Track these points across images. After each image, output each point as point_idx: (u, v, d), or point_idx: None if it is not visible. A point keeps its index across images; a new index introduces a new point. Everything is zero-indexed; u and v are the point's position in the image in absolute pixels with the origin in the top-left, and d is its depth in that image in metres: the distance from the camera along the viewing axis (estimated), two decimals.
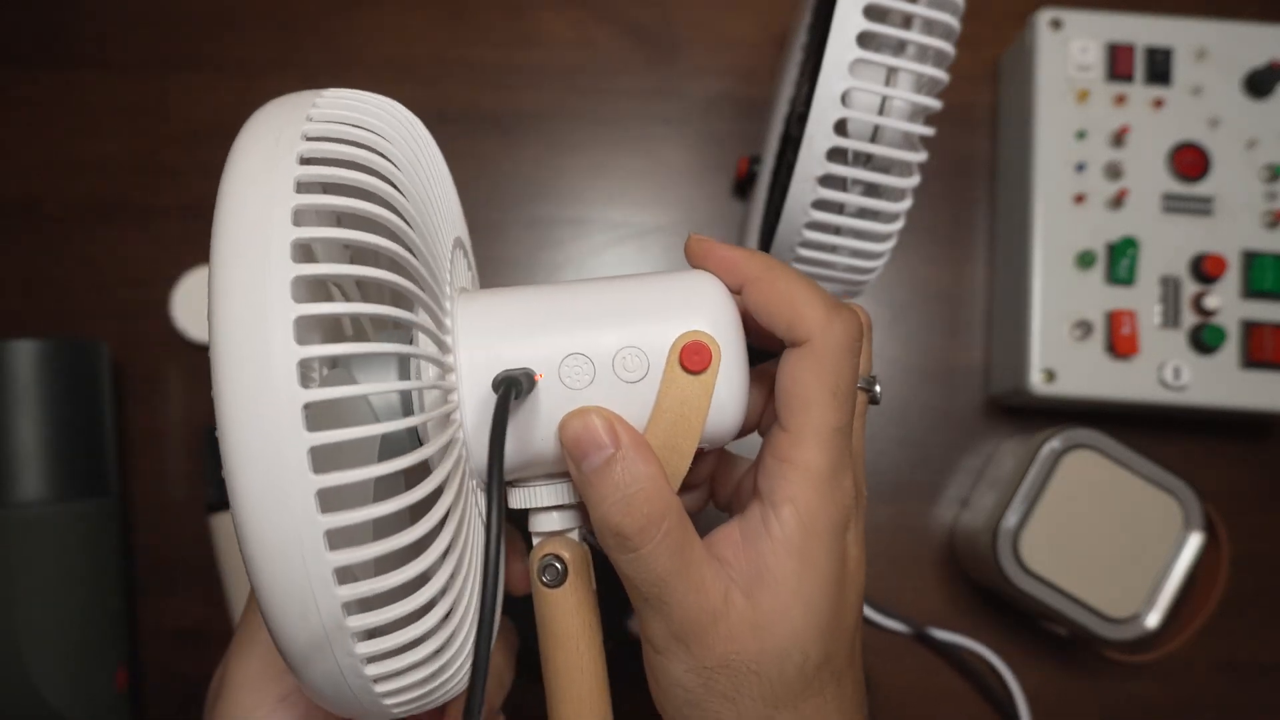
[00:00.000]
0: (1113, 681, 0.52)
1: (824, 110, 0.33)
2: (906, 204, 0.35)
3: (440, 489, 0.24)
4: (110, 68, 0.55)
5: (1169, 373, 0.48)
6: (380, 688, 0.23)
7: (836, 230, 0.36)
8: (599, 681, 0.30)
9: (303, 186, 0.22)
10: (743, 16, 0.57)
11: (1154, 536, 0.47)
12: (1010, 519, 0.47)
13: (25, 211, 0.54)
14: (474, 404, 0.27)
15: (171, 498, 0.52)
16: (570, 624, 0.29)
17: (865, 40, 0.33)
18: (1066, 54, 0.51)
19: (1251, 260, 0.49)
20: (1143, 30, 0.51)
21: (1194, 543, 0.47)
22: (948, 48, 0.33)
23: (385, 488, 0.25)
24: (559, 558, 0.29)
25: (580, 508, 0.30)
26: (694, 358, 0.27)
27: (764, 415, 0.31)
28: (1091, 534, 0.47)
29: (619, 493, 0.26)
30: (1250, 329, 0.49)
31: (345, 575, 0.21)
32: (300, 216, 0.22)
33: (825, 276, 0.38)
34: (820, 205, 0.35)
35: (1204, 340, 0.48)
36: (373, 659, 0.23)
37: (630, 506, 0.26)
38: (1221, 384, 0.49)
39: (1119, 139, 0.50)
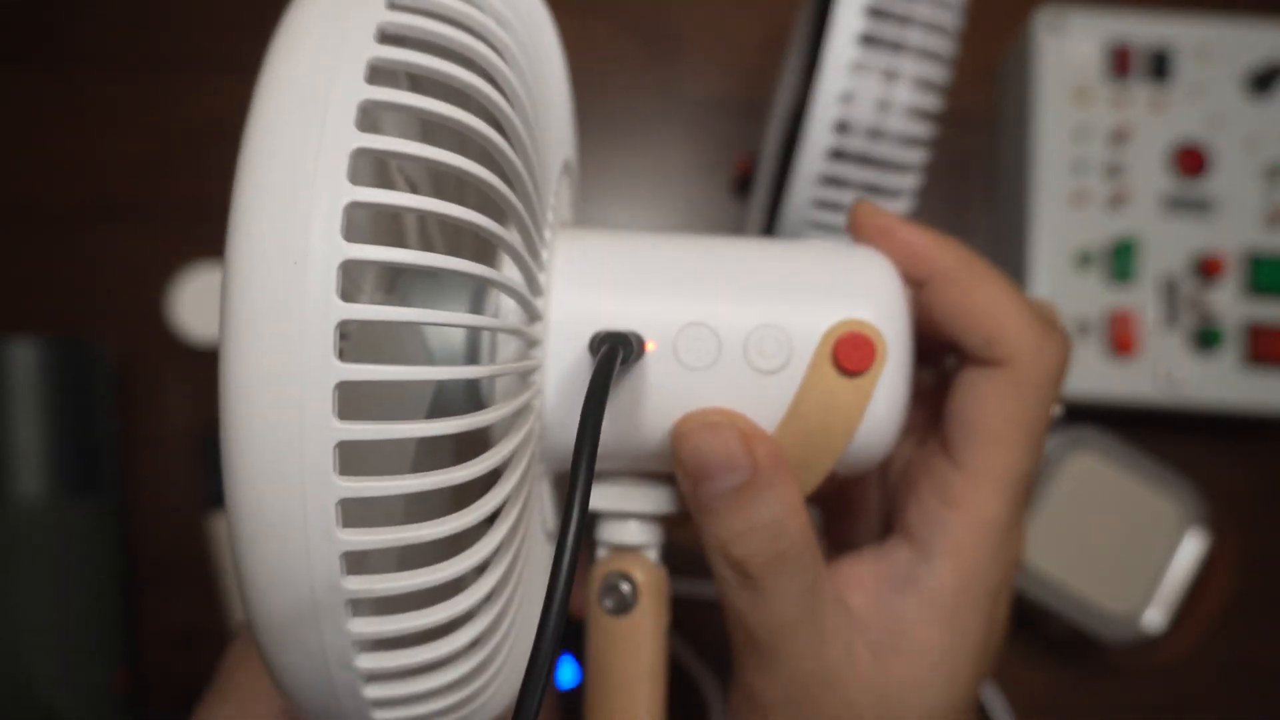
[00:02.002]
0: (1113, 682, 0.52)
1: (824, 110, 0.33)
2: (906, 204, 0.35)
3: (500, 470, 0.18)
4: (110, 68, 0.55)
5: (1169, 372, 0.48)
6: (379, 714, 0.18)
7: (837, 230, 0.36)
8: None
9: (378, 63, 0.17)
10: (743, 16, 0.57)
11: (1155, 536, 0.47)
12: None
13: (25, 211, 0.54)
14: (560, 366, 0.21)
15: (171, 498, 0.52)
16: (632, 665, 0.23)
17: (865, 40, 0.33)
18: (1066, 53, 0.51)
19: (1251, 260, 0.49)
20: (1143, 29, 0.51)
21: (1195, 543, 0.47)
22: (948, 48, 0.33)
23: (428, 454, 0.20)
24: (629, 578, 0.23)
25: (669, 520, 0.24)
26: (853, 355, 0.21)
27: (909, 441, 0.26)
28: (1092, 534, 0.47)
29: (748, 524, 0.21)
30: (1250, 329, 0.49)
31: (357, 562, 0.16)
32: (374, 78, 0.17)
33: None
34: (820, 205, 0.35)
35: (1204, 340, 0.48)
36: (375, 677, 0.17)
37: (761, 540, 0.21)
38: (1221, 384, 0.49)
39: (1119, 139, 0.50)
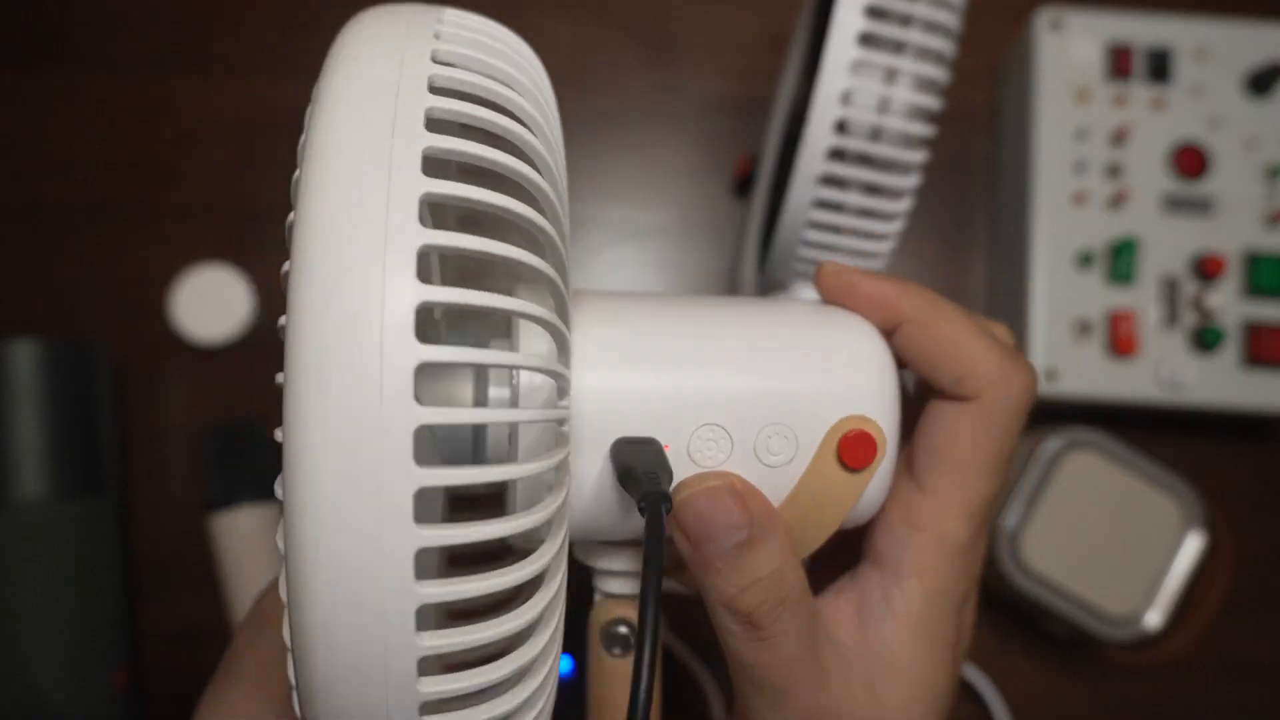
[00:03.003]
0: (1113, 682, 0.52)
1: (824, 109, 0.33)
2: (907, 204, 0.35)
3: (550, 523, 0.19)
4: (110, 68, 0.55)
5: (1169, 372, 0.48)
6: None
7: (837, 230, 0.36)
8: None
9: (433, 123, 0.17)
10: (743, 16, 0.57)
11: (1154, 536, 0.47)
12: (1010, 519, 0.47)
13: (25, 211, 0.54)
14: (583, 444, 0.21)
15: (171, 498, 0.52)
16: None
17: (865, 40, 0.33)
18: (1066, 53, 0.51)
19: (1251, 260, 0.49)
20: (1143, 30, 0.51)
21: (1194, 543, 0.47)
22: (948, 47, 0.33)
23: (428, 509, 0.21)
24: (627, 622, 0.25)
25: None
26: (857, 453, 0.22)
27: None
28: (1092, 534, 0.47)
29: (752, 578, 0.22)
30: (1250, 329, 0.49)
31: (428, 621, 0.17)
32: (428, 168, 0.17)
33: None
34: (820, 205, 0.35)
35: (1204, 340, 0.48)
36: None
37: (765, 590, 0.22)
38: (1221, 384, 0.49)
39: (1119, 138, 0.50)
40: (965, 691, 0.51)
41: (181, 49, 0.55)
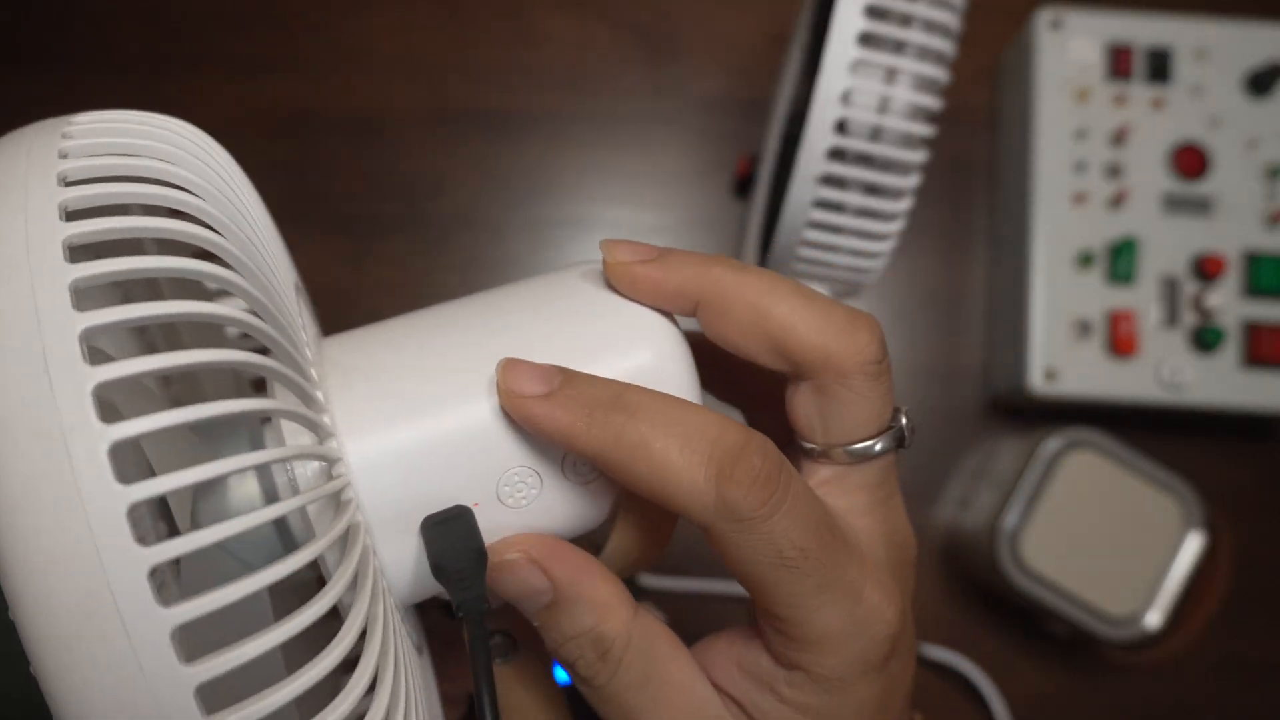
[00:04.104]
0: (1113, 682, 0.52)
1: (824, 109, 0.33)
2: (907, 204, 0.35)
3: (364, 630, 0.18)
4: (110, 68, 0.55)
5: (1169, 372, 0.48)
6: None
7: (837, 230, 0.36)
8: None
9: (73, 250, 0.15)
10: (743, 16, 0.57)
11: (1154, 536, 0.47)
12: (1010, 519, 0.47)
13: None
14: (373, 500, 0.20)
15: None
16: (530, 699, 0.25)
17: (865, 40, 0.33)
18: (1066, 53, 0.51)
19: (1251, 260, 0.49)
20: (1143, 30, 0.51)
21: (1194, 543, 0.47)
22: (948, 47, 0.33)
23: (282, 600, 0.20)
24: (504, 631, 0.25)
25: None
26: None
27: None
28: (1091, 534, 0.47)
29: (565, 635, 0.22)
30: (1250, 329, 0.49)
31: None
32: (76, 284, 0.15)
33: (826, 276, 0.38)
34: (820, 205, 0.35)
35: (1204, 340, 0.48)
36: None
37: (581, 646, 0.21)
38: (1221, 384, 0.49)
39: (1119, 138, 0.50)
40: (965, 691, 0.51)
41: (181, 49, 0.55)
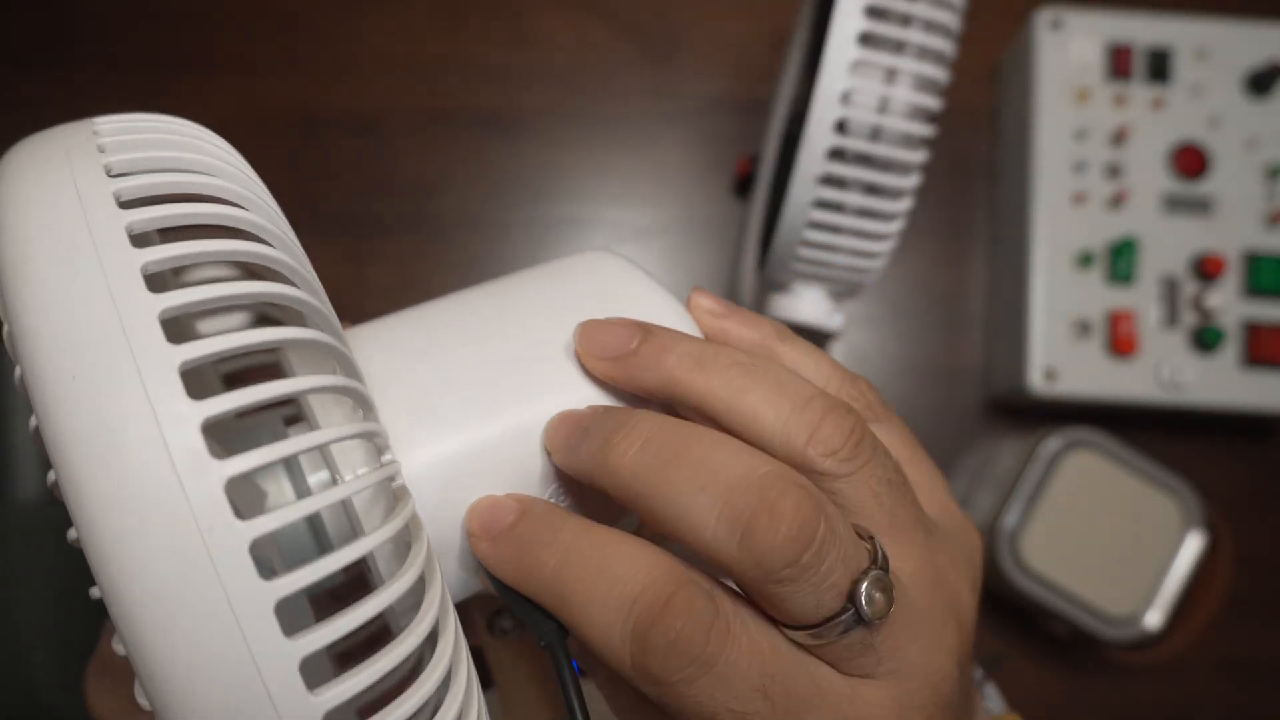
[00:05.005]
0: (1113, 682, 0.52)
1: (824, 109, 0.33)
2: (907, 204, 0.35)
3: (435, 629, 0.17)
4: (110, 68, 0.55)
5: (1168, 372, 0.48)
6: None
7: (836, 230, 0.36)
8: None
9: (136, 239, 0.16)
10: (743, 16, 0.57)
11: (1154, 536, 0.47)
12: (1010, 519, 0.47)
13: None
14: (419, 493, 0.20)
15: None
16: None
17: (865, 39, 0.33)
18: (1066, 54, 0.51)
19: (1251, 260, 0.49)
20: (1143, 30, 0.51)
21: (1194, 543, 0.47)
22: (948, 47, 0.33)
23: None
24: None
25: None
26: None
27: None
28: (1091, 534, 0.47)
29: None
30: (1250, 329, 0.49)
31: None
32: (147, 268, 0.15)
33: (825, 276, 0.38)
34: (820, 205, 0.35)
35: (1204, 340, 0.48)
36: None
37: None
38: (1221, 384, 0.49)
39: (1119, 139, 0.50)
40: None
41: (181, 49, 0.55)
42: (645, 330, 0.21)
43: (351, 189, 0.55)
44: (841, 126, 0.33)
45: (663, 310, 0.23)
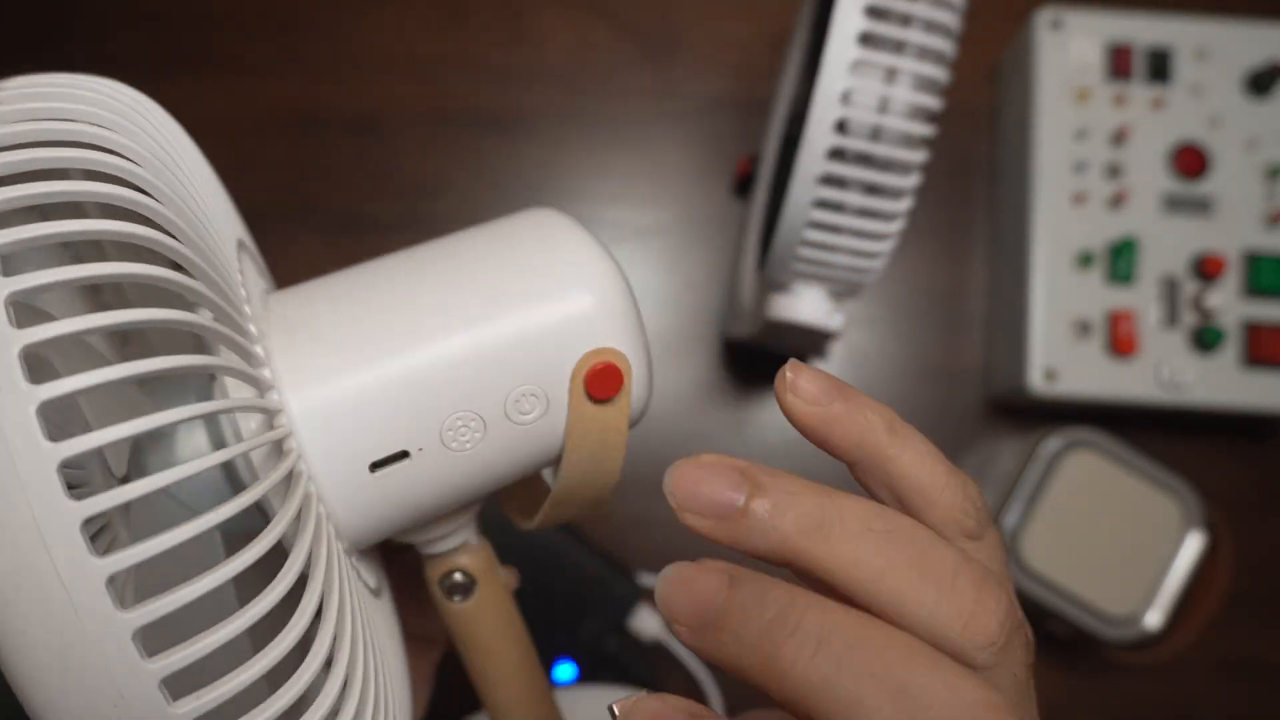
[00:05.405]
0: (1113, 682, 0.52)
1: (824, 109, 0.33)
2: (907, 204, 0.35)
3: (306, 572, 0.18)
4: (112, 69, 0.55)
5: (1169, 372, 0.48)
6: None
7: (836, 230, 0.36)
8: (537, 673, 0.27)
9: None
10: (743, 16, 0.57)
11: (1154, 536, 0.47)
12: (1010, 519, 0.47)
13: None
14: (318, 443, 0.20)
15: None
16: (494, 628, 0.26)
17: (866, 39, 0.33)
18: (1066, 54, 0.51)
19: (1251, 260, 0.49)
20: (1143, 30, 0.51)
21: (1194, 543, 0.47)
22: (948, 47, 0.33)
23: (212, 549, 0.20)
24: (462, 570, 0.26)
25: (474, 513, 0.26)
26: (603, 386, 0.22)
27: None
28: (1091, 534, 0.47)
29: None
30: (1250, 329, 0.49)
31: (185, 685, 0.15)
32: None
33: (825, 276, 0.38)
34: (820, 205, 0.35)
35: (1204, 340, 0.48)
36: None
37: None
38: (1221, 384, 0.49)
39: (1119, 139, 0.50)
40: None
41: (181, 49, 0.55)
42: (751, 481, 0.18)
43: (351, 189, 0.55)
44: (841, 126, 0.33)
45: (603, 281, 0.22)
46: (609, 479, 0.24)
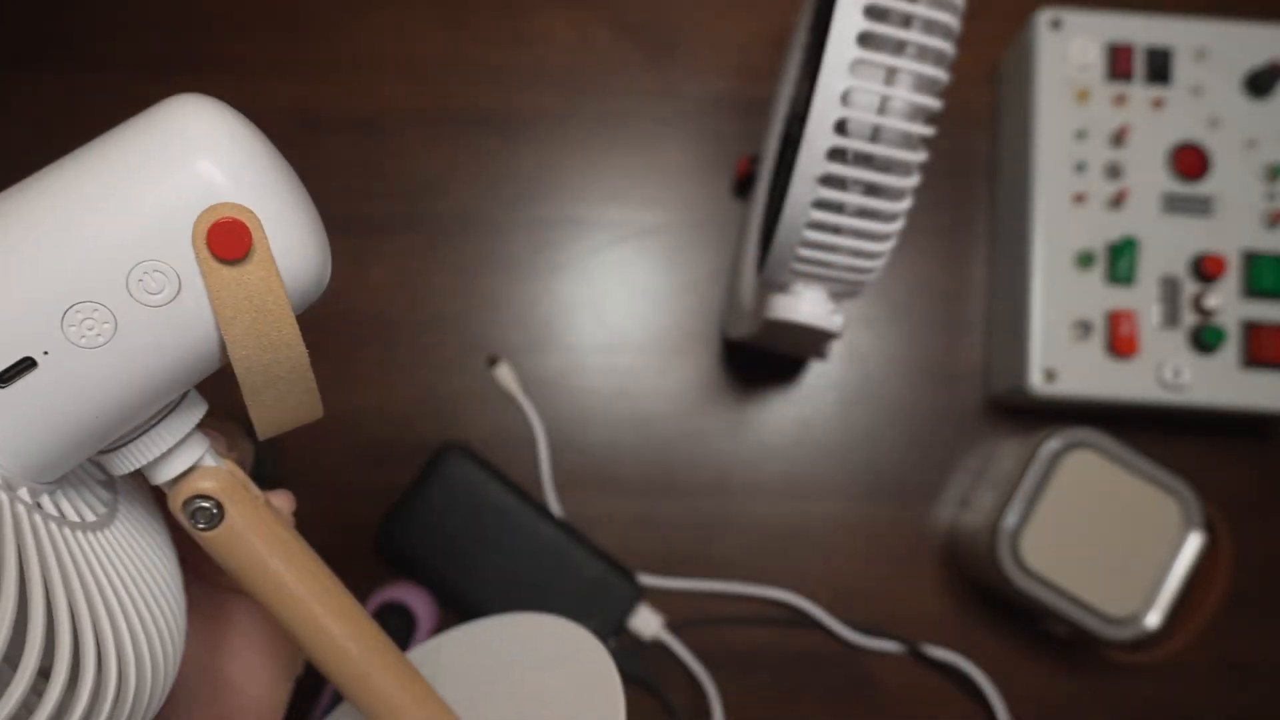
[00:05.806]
0: (1113, 682, 0.52)
1: (824, 110, 0.33)
2: (907, 204, 0.35)
3: None
4: (109, 68, 0.55)
5: (1169, 373, 0.48)
6: None
7: (836, 230, 0.36)
8: (340, 599, 0.25)
9: None
10: (743, 16, 0.57)
11: (1154, 536, 0.47)
12: (1010, 519, 0.47)
13: None
14: None
15: None
16: (262, 554, 0.24)
17: (865, 40, 0.33)
18: (1066, 54, 0.51)
19: (1251, 260, 0.49)
20: (1143, 30, 0.51)
21: (1194, 543, 0.47)
22: (948, 48, 0.33)
23: None
24: (202, 495, 0.24)
25: (205, 432, 0.24)
26: (227, 245, 0.20)
27: None
28: (1091, 534, 0.47)
29: None
30: (1250, 329, 0.49)
31: None
32: None
33: (825, 276, 0.38)
34: (820, 205, 0.35)
35: (1204, 340, 0.48)
36: None
37: None
38: (1221, 384, 0.49)
39: (1119, 139, 0.50)
40: (965, 691, 0.52)
41: (181, 49, 0.55)
42: None
43: (351, 189, 0.55)
44: (841, 127, 0.33)
45: (215, 137, 0.21)
46: (289, 353, 0.21)
